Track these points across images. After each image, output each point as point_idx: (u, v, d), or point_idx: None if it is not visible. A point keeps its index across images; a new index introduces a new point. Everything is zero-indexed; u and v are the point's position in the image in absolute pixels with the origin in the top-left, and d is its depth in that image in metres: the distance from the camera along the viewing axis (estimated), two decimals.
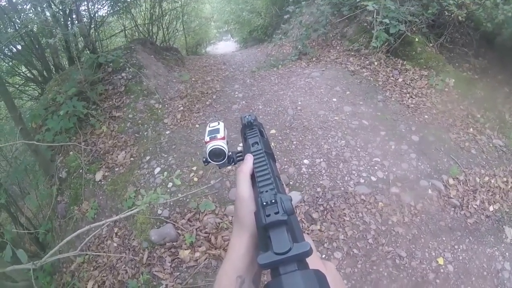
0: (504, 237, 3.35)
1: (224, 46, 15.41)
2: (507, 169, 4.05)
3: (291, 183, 3.50)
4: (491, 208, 3.53)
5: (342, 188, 3.45)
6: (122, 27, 8.29)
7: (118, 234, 3.51)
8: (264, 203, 0.57)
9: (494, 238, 3.30)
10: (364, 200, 3.36)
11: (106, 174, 4.14)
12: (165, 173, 3.41)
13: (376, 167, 3.70)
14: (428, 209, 3.38)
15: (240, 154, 0.86)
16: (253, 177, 0.71)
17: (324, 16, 6.55)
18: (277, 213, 0.55)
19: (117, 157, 4.27)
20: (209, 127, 0.89)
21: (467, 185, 3.71)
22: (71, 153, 4.45)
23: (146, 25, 8.61)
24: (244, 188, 0.69)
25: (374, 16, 5.04)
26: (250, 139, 0.83)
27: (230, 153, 0.85)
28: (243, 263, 0.63)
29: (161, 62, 6.49)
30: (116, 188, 3.91)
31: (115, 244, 3.44)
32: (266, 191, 0.61)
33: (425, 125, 4.44)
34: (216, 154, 0.84)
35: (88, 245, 3.49)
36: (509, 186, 3.84)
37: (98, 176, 4.13)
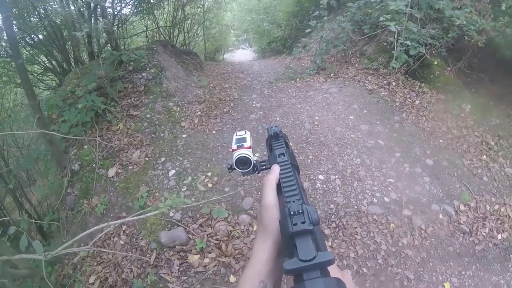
0: (510, 266, 3.34)
1: (241, 54, 15.55)
2: None
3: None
4: (499, 237, 3.51)
5: (355, 207, 3.45)
6: (144, 28, 8.39)
7: (126, 232, 3.52)
8: (292, 213, 0.59)
9: (501, 266, 3.29)
10: (376, 220, 3.35)
11: (119, 171, 4.17)
12: (189, 177, 3.41)
13: (389, 188, 3.70)
14: (438, 234, 3.38)
15: (264, 163, 0.88)
16: (278, 187, 0.72)
17: (345, 32, 6.61)
18: (303, 222, 0.57)
19: (131, 155, 4.30)
20: (236, 135, 0.91)
21: (477, 212, 3.70)
22: (85, 146, 4.48)
23: (167, 27, 8.71)
24: (270, 196, 0.71)
25: (396, 37, 5.06)
26: (277, 150, 0.85)
27: (255, 162, 0.87)
28: (266, 269, 0.64)
29: (181, 65, 6.56)
30: (128, 186, 3.93)
31: (121, 242, 3.44)
32: (293, 201, 0.63)
33: (439, 149, 4.43)
34: (243, 162, 0.86)
35: (94, 240, 3.49)
36: None
37: (111, 172, 4.15)
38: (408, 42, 4.96)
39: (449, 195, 3.79)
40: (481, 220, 3.63)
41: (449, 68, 5.78)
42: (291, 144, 0.93)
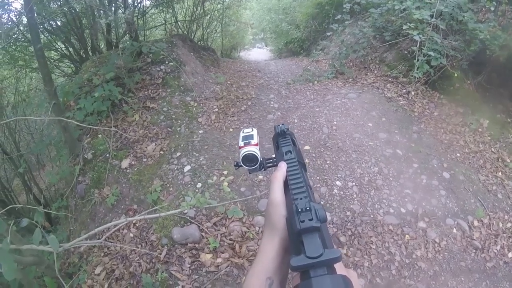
0: None
1: (257, 53, 15.59)
2: None
3: (322, 202, 3.48)
4: (510, 255, 3.49)
5: (372, 216, 3.42)
6: (163, 21, 8.38)
7: (137, 225, 3.48)
8: (299, 210, 0.59)
9: (510, 285, 3.26)
10: (391, 231, 3.32)
11: (133, 163, 4.14)
12: (214, 177, 3.38)
13: (406, 199, 3.66)
14: (451, 248, 3.36)
15: (271, 161, 0.90)
16: (285, 184, 0.73)
17: (366, 38, 6.55)
18: (311, 220, 0.57)
19: (146, 147, 4.28)
20: (243, 133, 0.92)
21: (490, 228, 3.68)
22: (99, 135, 4.47)
23: (186, 22, 8.69)
24: (278, 193, 0.72)
25: (418, 46, 5.00)
26: (284, 147, 0.85)
27: (262, 159, 0.88)
28: (273, 265, 0.65)
29: (199, 60, 6.54)
30: (142, 178, 3.91)
31: (131, 235, 3.40)
32: (301, 199, 0.63)
33: (456, 163, 4.38)
34: (249, 159, 0.87)
35: (107, 235, 3.45)
36: None
37: (125, 163, 4.13)
38: (431, 53, 4.90)
39: (464, 210, 3.77)
40: (493, 237, 3.60)
41: (468, 81, 5.71)
42: (297, 142, 0.93)
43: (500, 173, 4.45)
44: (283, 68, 8.48)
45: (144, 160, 4.14)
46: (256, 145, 0.87)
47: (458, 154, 4.54)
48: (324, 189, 3.63)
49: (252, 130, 0.92)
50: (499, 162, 4.64)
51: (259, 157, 0.87)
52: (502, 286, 3.22)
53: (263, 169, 0.89)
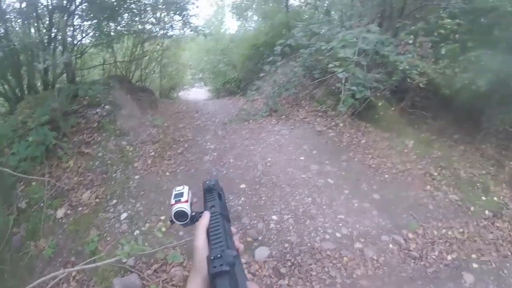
0: (463, 282, 3.45)
1: (196, 92, 15.63)
2: (463, 220, 4.21)
3: (259, 238, 3.57)
4: (449, 257, 3.67)
5: (309, 244, 3.55)
6: (102, 60, 8.30)
7: (76, 278, 3.35)
8: (212, 258, 0.71)
9: (454, 284, 3.40)
10: (329, 255, 3.45)
11: (69, 212, 4.02)
12: (146, 224, 3.32)
13: (340, 224, 3.85)
14: (390, 262, 3.51)
15: (201, 214, 0.95)
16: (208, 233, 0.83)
17: (296, 77, 6.95)
18: (221, 265, 0.68)
19: (81, 196, 4.17)
20: (175, 190, 0.99)
21: (426, 237, 3.88)
22: (33, 183, 4.28)
23: (125, 62, 8.68)
24: (200, 239, 0.82)
25: (343, 82, 5.41)
26: (209, 203, 0.94)
27: (194, 213, 0.94)
28: None
29: (136, 102, 6.54)
30: (78, 229, 3.79)
31: None
32: (216, 248, 0.75)
33: (385, 184, 4.67)
34: (180, 215, 0.94)
35: (42, 286, 3.27)
36: (465, 236, 3.99)
37: (60, 213, 3.99)
38: (354, 88, 5.32)
39: (397, 226, 3.98)
40: (430, 244, 3.79)
41: (392, 108, 6.17)
42: (224, 195, 1.03)
43: (428, 186, 4.74)
44: (220, 108, 8.70)
45: (80, 208, 4.03)
46: (187, 201, 0.94)
47: (387, 176, 4.84)
48: (261, 224, 3.75)
49: (183, 188, 0.98)
50: (427, 177, 4.93)
51: (189, 213, 0.93)
52: (446, 286, 3.36)
53: (196, 222, 0.93)
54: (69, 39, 6.29)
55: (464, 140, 5.68)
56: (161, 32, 8.57)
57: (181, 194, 0.97)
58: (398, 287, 3.29)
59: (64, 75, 6.33)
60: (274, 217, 3.87)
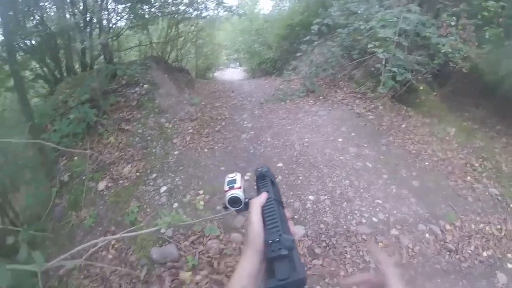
0: (496, 281, 3.36)
1: (231, 73, 15.74)
2: (501, 217, 4.09)
3: (296, 217, 3.57)
4: (484, 254, 3.57)
5: (345, 227, 3.52)
6: (138, 42, 8.46)
7: (115, 246, 3.49)
8: (270, 242, 0.73)
9: (486, 282, 3.32)
10: (365, 240, 3.42)
11: (110, 184, 4.16)
12: (187, 196, 3.40)
13: (377, 209, 3.78)
14: (424, 252, 3.44)
15: None
16: (263, 215, 0.86)
17: (334, 57, 6.79)
18: (280, 249, 0.70)
19: (122, 169, 4.30)
20: (228, 177, 1.02)
21: (463, 231, 3.78)
22: (75, 158, 4.46)
23: (161, 43, 8.80)
24: (255, 215, 0.85)
25: (383, 64, 5.25)
26: (262, 189, 0.98)
27: (247, 199, 0.96)
28: (247, 275, 0.77)
29: (173, 82, 6.63)
30: (119, 200, 3.92)
31: (110, 256, 3.41)
32: (273, 232, 0.76)
33: (425, 171, 4.55)
34: (234, 201, 0.96)
35: (81, 253, 3.42)
36: (503, 233, 3.89)
37: (101, 185, 4.14)
38: (395, 69, 5.15)
39: (435, 215, 3.88)
40: (467, 238, 3.70)
41: (434, 93, 5.98)
42: (276, 181, 1.05)
43: (469, 177, 4.60)
44: (256, 88, 8.67)
45: (121, 181, 4.16)
46: (240, 188, 0.96)
47: (427, 163, 4.71)
48: (298, 204, 3.73)
49: (236, 175, 1.01)
50: (468, 167, 4.80)
51: (242, 199, 0.95)
52: (479, 284, 3.28)
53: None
54: (104, 22, 6.43)
55: (506, 132, 5.49)
56: (195, 13, 8.57)
57: (234, 181, 0.99)
58: (430, 279, 3.22)
59: (102, 56, 6.52)
60: (310, 197, 3.84)
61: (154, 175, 4.18)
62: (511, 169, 4.78)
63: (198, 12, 8.62)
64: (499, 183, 4.60)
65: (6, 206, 5.07)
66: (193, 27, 9.76)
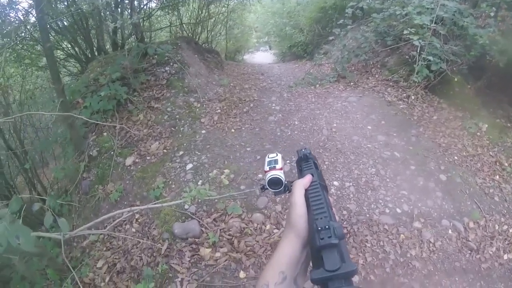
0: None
1: (261, 56, 15.67)
2: None
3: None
4: (505, 257, 3.50)
5: (367, 215, 3.49)
6: (168, 23, 8.52)
7: (139, 220, 3.59)
8: (319, 228, 0.66)
9: (505, 286, 3.27)
10: (387, 230, 3.38)
11: (137, 160, 4.25)
12: (214, 171, 3.50)
13: (402, 200, 3.72)
14: (446, 248, 3.39)
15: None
16: (306, 199, 0.79)
17: (368, 43, 6.61)
18: (330, 237, 0.63)
19: (150, 146, 4.38)
20: (268, 157, 0.98)
21: (486, 230, 3.71)
22: (105, 133, 4.58)
23: (191, 24, 8.83)
24: (299, 196, 0.79)
25: (418, 51, 5.07)
26: (306, 171, 0.91)
27: (287, 181, 0.93)
28: (287, 260, 0.71)
29: (203, 62, 6.67)
30: (145, 176, 4.01)
31: (133, 230, 3.51)
32: (321, 218, 0.69)
33: (454, 166, 4.42)
34: (275, 182, 0.92)
35: (105, 225, 3.52)
36: None
37: (129, 161, 4.24)
38: (431, 57, 4.96)
39: (460, 212, 3.80)
40: (489, 239, 3.63)
41: (468, 86, 5.75)
42: (319, 165, 0.98)
43: (497, 177, 4.48)
44: (286, 72, 8.59)
45: (148, 158, 4.25)
46: (281, 169, 0.93)
47: (456, 157, 4.58)
48: None
49: (277, 155, 0.97)
50: (497, 166, 4.66)
51: (283, 181, 0.92)
52: (496, 287, 3.24)
53: (288, 192, 0.93)
54: (136, 2, 6.51)
55: None
56: None
57: (275, 161, 0.95)
58: (449, 276, 3.18)
59: (133, 36, 6.60)
60: (335, 182, 3.82)
61: (181, 152, 4.25)
62: None
63: None
64: None
65: (35, 180, 5.32)
66: (224, 9, 9.74)
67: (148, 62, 5.61)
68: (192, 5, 8.74)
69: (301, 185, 0.82)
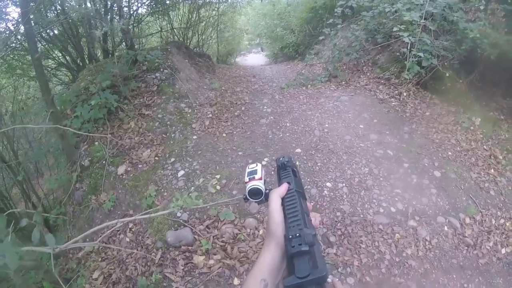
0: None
1: (253, 58, 15.67)
2: None
3: (312, 203, 3.52)
4: (503, 251, 3.49)
5: (362, 215, 3.47)
6: (159, 28, 8.50)
7: (133, 230, 3.56)
8: (290, 236, 0.68)
9: (503, 281, 3.26)
10: (381, 230, 3.36)
11: (129, 169, 4.22)
12: (200, 179, 3.42)
13: (396, 199, 3.71)
14: (442, 246, 3.38)
15: None
16: (284, 204, 0.82)
17: (358, 41, 6.63)
18: (300, 244, 0.65)
19: (142, 154, 4.35)
20: (248, 168, 0.99)
21: (483, 225, 3.70)
22: (96, 143, 4.54)
23: (182, 29, 8.81)
24: (276, 205, 0.81)
25: (409, 48, 5.06)
26: (284, 179, 0.93)
27: (268, 190, 0.93)
28: (268, 268, 0.72)
29: (194, 67, 6.65)
30: (137, 184, 3.98)
31: (127, 239, 3.48)
32: (293, 226, 0.72)
33: (448, 162, 4.42)
34: (255, 193, 0.94)
35: (99, 235, 3.47)
36: None
37: (121, 170, 4.20)
38: (421, 54, 4.96)
39: (455, 208, 3.79)
40: (486, 233, 3.62)
41: (460, 81, 5.73)
42: (299, 171, 1.01)
43: (492, 170, 4.47)
44: (278, 73, 8.60)
45: (140, 166, 4.22)
46: (260, 179, 0.94)
47: (450, 153, 4.58)
48: (315, 190, 3.70)
49: (256, 166, 0.99)
50: (492, 159, 4.66)
51: (263, 190, 0.93)
52: (495, 282, 3.23)
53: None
54: (125, 8, 6.46)
55: None
56: None
57: (255, 172, 0.97)
58: (446, 274, 3.17)
59: (123, 44, 6.57)
60: (328, 184, 3.80)
61: (172, 159, 4.22)
62: None
63: None
64: None
65: (29, 191, 5.28)
66: (214, 12, 9.72)
67: (138, 69, 5.59)
68: (182, 10, 8.73)
69: (277, 194, 0.84)
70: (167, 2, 7.42)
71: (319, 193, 3.67)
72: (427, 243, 3.36)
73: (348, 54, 6.71)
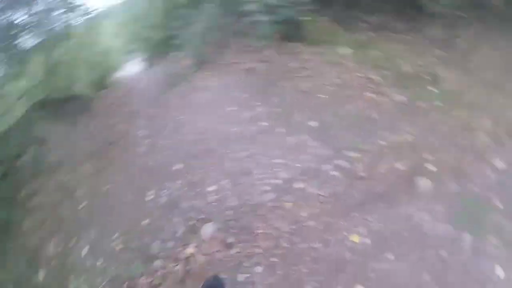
0: (417, 191, 3.29)
1: (132, 67, 14.25)
2: (412, 119, 4.02)
3: (202, 217, 3.43)
4: (401, 167, 3.49)
5: (250, 202, 3.42)
6: None
7: None
8: None
9: (406, 195, 3.24)
10: (271, 207, 3.32)
11: None
12: None
13: (277, 169, 3.67)
14: (335, 192, 3.33)
15: None
16: None
17: (214, 18, 6.47)
18: None
19: None
20: None
21: (372, 152, 3.68)
22: None
23: None
24: None
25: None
26: None
27: None
28: None
29: None
30: None
31: None
32: None
33: (322, 107, 4.40)
34: None
35: None
36: (415, 138, 3.80)
37: None
38: (266, 18, 4.90)
39: (339, 149, 3.76)
40: (378, 158, 3.61)
41: (323, 19, 5.72)
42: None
43: (368, 93, 4.47)
44: (149, 79, 8.34)
45: None
46: None
47: (322, 95, 4.56)
48: (199, 202, 3.59)
49: None
50: (368, 83, 4.66)
51: None
52: (399, 199, 3.21)
53: None
54: None
55: (408, 33, 5.40)
56: None
57: None
58: (346, 217, 3.14)
59: None
60: (210, 188, 3.70)
61: None
62: (413, 67, 4.69)
63: None
64: (404, 88, 4.46)
65: None
66: None
67: None
68: None
69: None
70: None
71: (204, 203, 3.56)
72: (320, 197, 3.31)
73: (209, 35, 6.56)
